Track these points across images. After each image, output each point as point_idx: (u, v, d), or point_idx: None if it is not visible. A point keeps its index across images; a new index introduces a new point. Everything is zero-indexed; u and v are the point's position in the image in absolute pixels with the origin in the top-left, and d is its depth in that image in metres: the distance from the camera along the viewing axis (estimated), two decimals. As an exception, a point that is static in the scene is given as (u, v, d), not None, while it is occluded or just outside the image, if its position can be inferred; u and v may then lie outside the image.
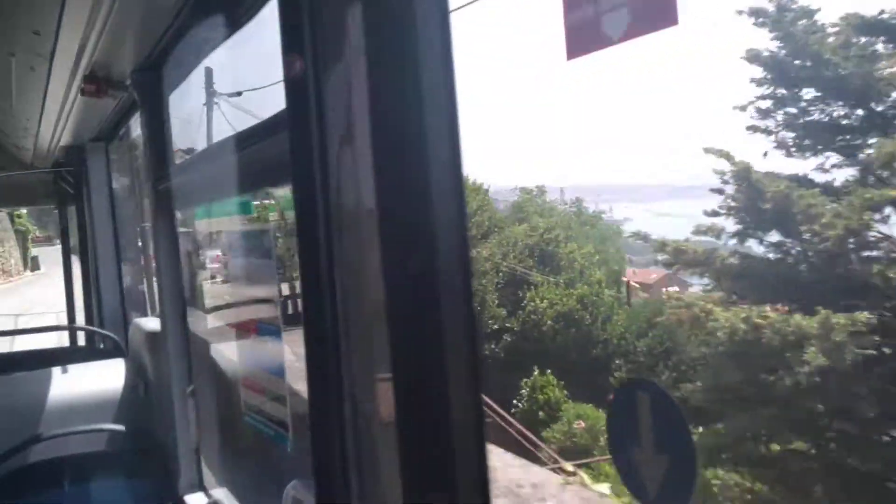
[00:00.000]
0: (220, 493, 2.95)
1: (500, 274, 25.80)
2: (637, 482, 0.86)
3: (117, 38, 2.58)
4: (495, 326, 23.89)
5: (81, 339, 5.56)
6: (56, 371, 3.33)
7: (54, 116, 3.74)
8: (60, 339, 6.61)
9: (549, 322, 23.47)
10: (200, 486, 3.04)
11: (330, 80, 1.17)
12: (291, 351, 2.15)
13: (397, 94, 1.14)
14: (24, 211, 35.22)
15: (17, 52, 2.88)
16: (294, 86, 1.21)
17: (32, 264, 39.06)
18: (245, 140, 2.04)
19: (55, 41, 2.58)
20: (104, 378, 3.38)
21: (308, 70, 1.17)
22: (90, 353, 4.50)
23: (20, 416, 3.12)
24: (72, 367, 3.41)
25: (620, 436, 0.88)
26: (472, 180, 27.85)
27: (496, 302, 24.55)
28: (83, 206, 4.82)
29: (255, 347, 2.31)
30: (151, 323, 3.54)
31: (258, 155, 1.82)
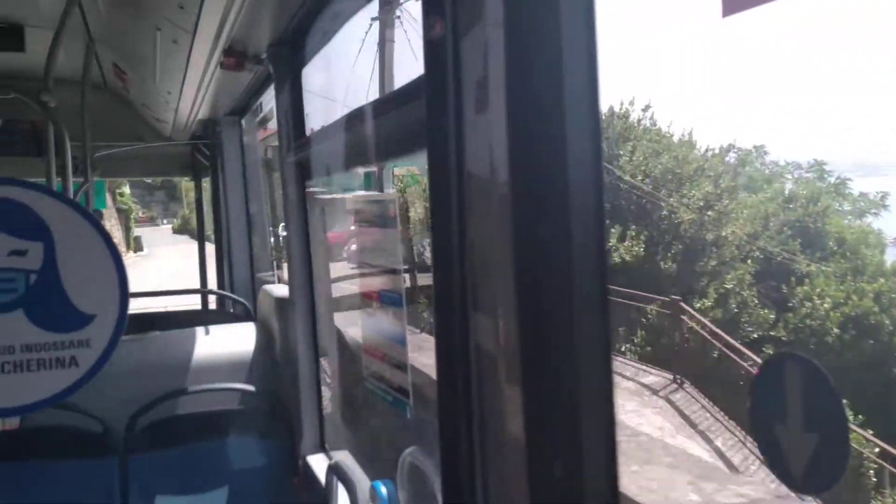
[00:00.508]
0: (340, 454, 3.04)
1: (750, 261, 18.72)
2: (781, 462, 0.82)
3: (256, 12, 2.66)
4: (755, 335, 17.23)
5: (211, 304, 5.86)
6: (196, 331, 3.51)
7: (193, 90, 3.92)
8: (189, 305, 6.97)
9: (834, 330, 17.00)
10: (322, 448, 3.15)
11: (468, 45, 1.17)
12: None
13: (535, 62, 1.12)
14: (126, 189, 36.16)
15: (163, 25, 3.03)
16: (433, 49, 1.21)
17: (135, 245, 38.36)
18: (378, 109, 2.08)
19: (198, 15, 2.69)
20: (237, 340, 3.55)
21: (447, 34, 1.17)
22: (220, 316, 4.73)
23: (160, 371, 3.31)
24: (211, 328, 3.59)
25: (764, 412, 0.84)
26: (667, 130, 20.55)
27: (756, 301, 17.82)
28: (217, 178, 5.05)
29: (378, 316, 2.36)
30: (280, 290, 3.68)
31: (392, 123, 1.84)
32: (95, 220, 1.63)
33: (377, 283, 2.34)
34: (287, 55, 3.01)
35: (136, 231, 40.05)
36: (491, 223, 1.17)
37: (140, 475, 3.05)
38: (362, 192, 2.34)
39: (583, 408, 1.12)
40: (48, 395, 1.64)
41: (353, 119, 2.18)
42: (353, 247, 2.51)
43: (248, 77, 3.65)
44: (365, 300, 2.45)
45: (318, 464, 3.04)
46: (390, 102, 1.75)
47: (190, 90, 3.92)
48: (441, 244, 1.25)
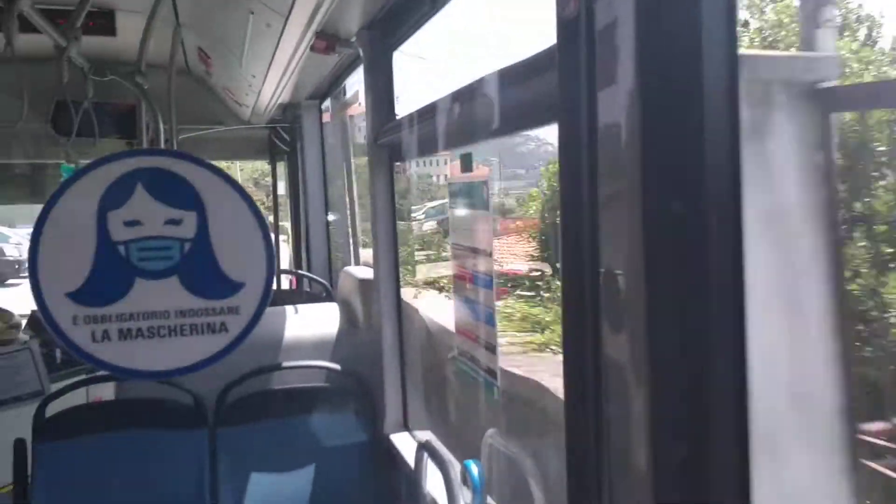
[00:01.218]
0: (423, 434, 3.09)
1: None
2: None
3: None
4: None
5: (284, 284, 5.98)
6: (285, 310, 3.60)
7: (278, 74, 3.99)
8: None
9: None
10: (406, 426, 3.20)
11: (601, 19, 1.16)
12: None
13: (670, 38, 1.11)
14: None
15: (257, 9, 3.09)
16: (565, 23, 1.21)
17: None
18: (470, 92, 2.09)
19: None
20: (320, 320, 3.61)
21: (580, 10, 1.17)
22: (298, 296, 4.82)
23: (249, 347, 3.39)
24: (299, 307, 3.67)
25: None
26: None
27: None
28: (296, 162, 5.14)
29: (469, 297, 2.38)
30: (361, 271, 3.74)
31: (511, 99, 1.83)
32: (245, 192, 1.69)
33: (470, 264, 2.36)
34: (378, 38, 3.05)
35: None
36: (621, 205, 1.15)
37: (229, 447, 3.14)
38: (458, 176, 2.36)
39: (715, 424, 1.08)
40: (200, 358, 1.72)
41: (449, 102, 2.20)
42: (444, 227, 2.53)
43: (334, 60, 3.71)
44: (458, 281, 2.48)
45: (403, 442, 3.09)
46: (508, 78, 1.74)
47: (275, 74, 3.99)
48: (571, 229, 1.24)
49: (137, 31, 4.69)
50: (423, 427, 3.18)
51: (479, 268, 2.29)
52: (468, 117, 2.12)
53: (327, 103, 5.00)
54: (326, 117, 5.03)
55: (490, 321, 2.22)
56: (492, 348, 2.23)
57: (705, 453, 1.08)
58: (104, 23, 4.29)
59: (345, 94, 4.60)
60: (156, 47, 4.39)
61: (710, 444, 1.07)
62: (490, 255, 2.20)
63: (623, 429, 1.15)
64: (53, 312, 1.62)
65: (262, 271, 1.72)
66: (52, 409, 3.17)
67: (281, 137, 5.47)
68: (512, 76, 1.69)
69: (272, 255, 1.70)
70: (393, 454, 3.08)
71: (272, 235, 1.75)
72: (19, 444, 2.98)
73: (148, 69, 4.36)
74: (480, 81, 1.94)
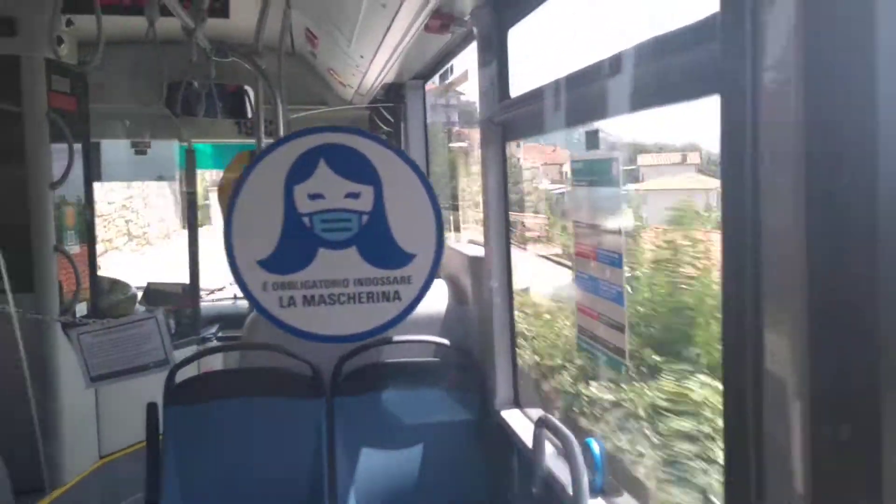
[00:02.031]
0: (534, 412, 3.12)
1: None
2: None
3: None
4: None
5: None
6: None
7: (387, 54, 4.04)
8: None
9: None
10: (517, 403, 3.23)
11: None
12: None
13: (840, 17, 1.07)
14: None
15: (373, -11, 3.14)
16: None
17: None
18: (600, 68, 2.08)
19: (415, -21, 2.78)
20: (429, 295, 3.68)
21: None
22: None
23: None
24: None
25: None
26: None
27: None
28: (399, 142, 5.21)
29: (592, 274, 2.39)
30: (470, 248, 3.77)
31: (648, 73, 1.82)
32: (418, 168, 1.75)
33: (594, 241, 2.36)
34: (493, 16, 3.05)
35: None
36: (785, 191, 1.11)
37: (344, 415, 3.25)
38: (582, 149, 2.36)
39: (884, 444, 1.02)
40: (375, 325, 1.79)
41: (586, 74, 2.19)
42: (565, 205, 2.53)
43: (443, 39, 3.73)
44: (579, 259, 2.48)
45: (515, 419, 3.13)
46: (650, 49, 1.72)
47: (384, 55, 4.04)
48: (731, 195, 1.23)
49: (247, 12, 4.83)
50: (535, 405, 3.21)
51: (605, 245, 2.29)
52: (599, 93, 2.11)
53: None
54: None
55: (618, 300, 2.22)
56: (619, 327, 2.23)
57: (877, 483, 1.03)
58: (218, 6, 4.43)
59: (451, 72, 4.63)
60: (266, 28, 4.51)
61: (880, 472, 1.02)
62: (619, 232, 2.20)
63: (783, 448, 1.12)
64: (246, 279, 1.72)
65: (431, 243, 1.78)
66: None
67: (382, 117, 5.55)
68: (657, 47, 1.68)
69: (441, 227, 1.76)
70: (505, 431, 3.12)
71: (441, 210, 1.81)
72: (152, 408, 3.15)
73: (260, 47, 4.49)
74: (615, 56, 1.93)
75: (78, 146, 4.35)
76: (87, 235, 4.55)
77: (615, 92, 1.96)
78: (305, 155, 1.71)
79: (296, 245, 1.71)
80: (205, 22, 3.29)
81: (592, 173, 2.34)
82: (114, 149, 5.87)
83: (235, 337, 5.59)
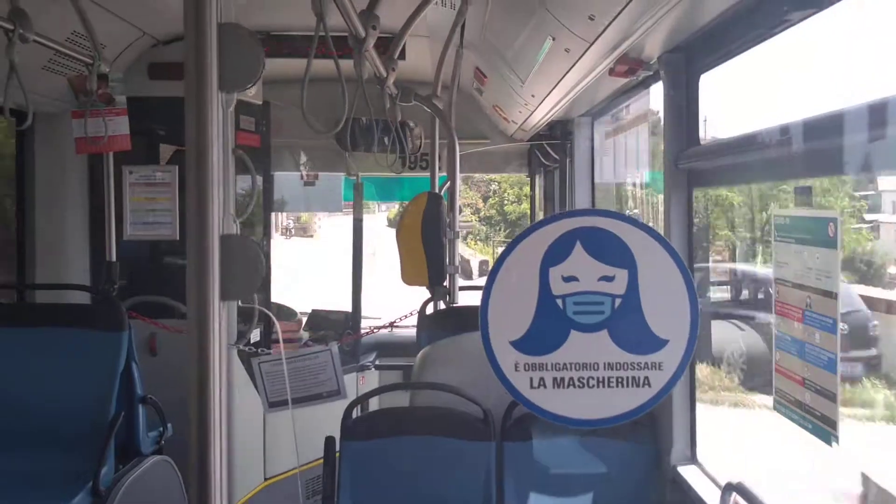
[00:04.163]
0: (714, 469, 2.98)
1: None
2: None
3: (661, 20, 2.66)
4: None
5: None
6: None
7: (561, 94, 4.04)
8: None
9: None
10: (694, 459, 3.11)
11: None
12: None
13: None
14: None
15: (560, 35, 3.13)
16: None
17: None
18: (827, 121, 1.98)
19: (607, 26, 2.75)
20: None
21: None
22: None
23: None
24: None
25: None
26: None
27: None
28: (565, 176, 5.20)
29: (799, 336, 2.26)
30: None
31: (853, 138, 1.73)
32: (675, 252, 1.74)
33: (801, 300, 2.24)
34: (683, 62, 2.98)
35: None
36: None
37: (513, 460, 3.23)
38: (791, 208, 2.26)
39: None
40: (623, 410, 1.79)
41: (808, 126, 2.09)
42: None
43: (621, 81, 3.69)
44: (781, 318, 2.36)
45: (693, 477, 3.00)
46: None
47: (557, 94, 4.05)
48: None
49: (418, 53, 4.98)
50: (716, 462, 3.07)
51: (815, 308, 2.17)
52: (820, 148, 2.01)
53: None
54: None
55: (830, 367, 2.09)
56: (830, 396, 2.10)
57: None
58: (394, 45, 4.59)
59: (627, 112, 4.59)
60: (435, 65, 4.63)
61: None
62: (835, 297, 2.07)
63: None
64: (498, 357, 1.76)
65: (685, 330, 1.75)
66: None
67: (544, 152, 5.56)
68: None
69: (697, 314, 1.73)
70: (681, 488, 3.00)
71: (698, 296, 1.78)
72: (330, 441, 3.25)
73: (426, 86, 4.62)
74: (850, 112, 1.83)
75: (259, 179, 4.61)
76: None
77: (833, 150, 1.86)
78: (562, 237, 1.73)
79: (548, 327, 1.73)
80: (395, 71, 3.41)
81: (802, 231, 2.23)
82: (284, 181, 6.18)
83: (394, 366, 5.72)
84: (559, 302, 1.72)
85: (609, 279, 1.71)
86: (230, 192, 4.34)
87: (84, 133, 3.99)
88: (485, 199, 30.75)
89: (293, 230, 33.03)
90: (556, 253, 1.71)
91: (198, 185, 1.14)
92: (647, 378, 1.75)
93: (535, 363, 1.75)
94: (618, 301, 1.72)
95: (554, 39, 3.22)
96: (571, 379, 1.77)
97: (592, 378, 1.75)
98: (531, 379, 1.77)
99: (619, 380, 1.75)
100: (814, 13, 2.19)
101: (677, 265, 1.74)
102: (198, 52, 1.10)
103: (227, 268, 1.17)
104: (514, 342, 1.73)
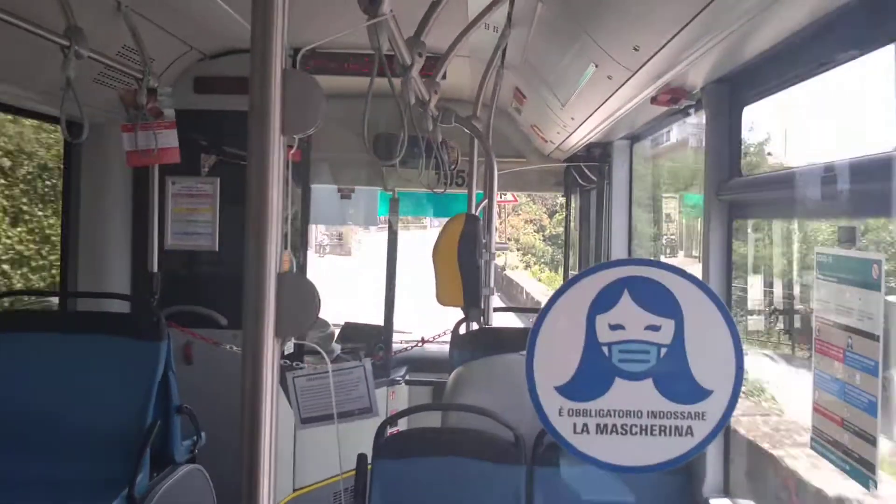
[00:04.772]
0: (746, 502, 2.96)
1: None
2: None
3: (705, 53, 2.66)
4: None
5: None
6: None
7: (601, 118, 4.05)
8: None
9: None
10: (726, 492, 3.09)
11: None
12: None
13: None
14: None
15: (603, 62, 3.15)
16: None
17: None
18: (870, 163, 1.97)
19: (651, 56, 2.76)
20: None
21: None
22: None
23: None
24: None
25: None
26: None
27: None
28: (602, 198, 5.20)
29: (839, 376, 2.25)
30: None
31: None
32: (719, 300, 1.75)
33: (842, 340, 2.23)
34: (727, 93, 2.98)
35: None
36: None
37: (544, 486, 3.23)
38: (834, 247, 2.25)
39: None
40: (665, 458, 1.80)
41: (854, 166, 2.08)
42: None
43: (663, 108, 3.69)
44: (820, 357, 2.35)
45: (724, 508, 2.99)
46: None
47: (598, 118, 4.06)
48: None
49: (459, 72, 5.02)
50: (748, 496, 3.05)
51: (856, 349, 2.16)
52: (863, 190, 2.01)
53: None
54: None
55: (871, 410, 2.08)
56: (869, 438, 2.09)
57: None
58: (437, 67, 4.63)
59: (667, 138, 4.58)
60: (474, 84, 4.66)
61: None
62: (877, 339, 2.06)
63: None
64: (543, 402, 1.78)
65: (730, 380, 1.76)
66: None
67: (581, 173, 5.56)
68: None
69: (741, 365, 1.74)
70: None
71: (743, 346, 1.79)
72: (362, 459, 3.27)
73: (465, 105, 4.65)
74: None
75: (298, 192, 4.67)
76: (301, 277, 4.85)
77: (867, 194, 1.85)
78: (611, 286, 1.75)
79: (594, 373, 1.74)
80: (438, 93, 3.44)
81: (844, 271, 2.22)
82: (322, 193, 6.25)
83: (424, 381, 5.74)
84: (605, 349, 1.74)
85: (655, 328, 1.72)
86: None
87: (135, 146, 4.08)
88: (551, 215, 26.49)
89: (327, 247, 30.70)
90: (604, 301, 1.73)
91: (258, 225, 1.18)
92: (689, 427, 1.76)
93: (580, 409, 1.76)
94: (663, 350, 1.73)
95: (597, 66, 3.24)
96: (615, 426, 1.78)
97: (636, 426, 1.76)
98: (575, 424, 1.79)
99: (663, 428, 1.75)
100: (858, 56, 2.18)
101: (723, 316, 1.75)
102: (262, 98, 1.14)
103: (282, 305, 1.21)
104: (560, 388, 1.75)
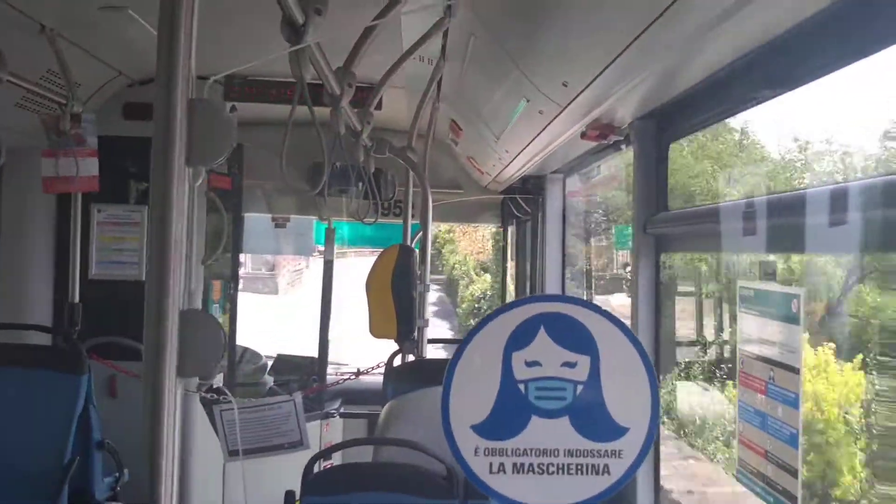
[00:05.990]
0: None
1: None
2: None
3: (633, 89, 2.71)
4: None
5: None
6: None
7: (534, 152, 4.08)
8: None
9: None
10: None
11: None
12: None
13: None
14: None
15: (534, 97, 3.18)
16: None
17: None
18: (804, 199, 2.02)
19: (580, 92, 2.80)
20: None
21: None
22: None
23: None
24: None
25: None
26: None
27: None
28: (536, 228, 5.23)
29: (760, 409, 2.28)
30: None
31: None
32: (638, 341, 1.75)
33: (765, 373, 2.26)
34: (654, 129, 3.03)
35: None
36: None
37: None
38: (755, 283, 2.29)
39: None
40: (582, 498, 1.78)
41: (784, 202, 2.12)
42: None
43: (593, 143, 3.74)
44: (744, 389, 2.38)
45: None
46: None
47: (530, 152, 4.09)
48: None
49: (394, 103, 5.02)
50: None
51: (777, 382, 2.19)
52: (782, 225, 2.05)
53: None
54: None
55: (792, 442, 2.10)
56: (791, 470, 2.11)
57: None
58: (371, 98, 4.62)
59: (598, 172, 4.65)
60: (411, 116, 4.66)
61: None
62: (797, 371, 2.09)
63: None
64: (458, 441, 1.75)
65: (646, 418, 1.75)
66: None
67: (517, 205, 5.60)
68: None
69: (657, 404, 1.73)
70: None
71: (658, 383, 1.78)
72: (289, 496, 3.18)
73: (401, 136, 4.64)
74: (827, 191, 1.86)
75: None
76: (231, 308, 4.74)
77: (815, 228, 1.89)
78: (527, 322, 1.73)
79: (510, 411, 1.72)
80: (370, 124, 3.42)
81: (766, 304, 2.25)
82: (255, 222, 6.14)
83: (359, 413, 5.64)
84: (521, 387, 1.72)
85: (571, 365, 1.71)
86: (198, 235, 4.32)
87: (55, 173, 3.95)
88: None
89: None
90: (521, 337, 1.71)
91: (159, 258, 1.13)
92: (606, 466, 1.75)
93: (496, 448, 1.74)
94: (579, 388, 1.72)
95: (528, 101, 3.27)
96: (532, 465, 1.76)
97: (552, 465, 1.75)
98: (491, 464, 1.77)
99: (579, 467, 1.74)
100: (784, 93, 2.24)
101: (639, 353, 1.75)
102: (167, 127, 1.10)
103: (185, 344, 1.16)
104: (476, 426, 1.72)
